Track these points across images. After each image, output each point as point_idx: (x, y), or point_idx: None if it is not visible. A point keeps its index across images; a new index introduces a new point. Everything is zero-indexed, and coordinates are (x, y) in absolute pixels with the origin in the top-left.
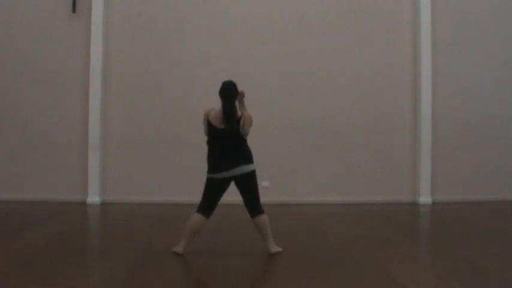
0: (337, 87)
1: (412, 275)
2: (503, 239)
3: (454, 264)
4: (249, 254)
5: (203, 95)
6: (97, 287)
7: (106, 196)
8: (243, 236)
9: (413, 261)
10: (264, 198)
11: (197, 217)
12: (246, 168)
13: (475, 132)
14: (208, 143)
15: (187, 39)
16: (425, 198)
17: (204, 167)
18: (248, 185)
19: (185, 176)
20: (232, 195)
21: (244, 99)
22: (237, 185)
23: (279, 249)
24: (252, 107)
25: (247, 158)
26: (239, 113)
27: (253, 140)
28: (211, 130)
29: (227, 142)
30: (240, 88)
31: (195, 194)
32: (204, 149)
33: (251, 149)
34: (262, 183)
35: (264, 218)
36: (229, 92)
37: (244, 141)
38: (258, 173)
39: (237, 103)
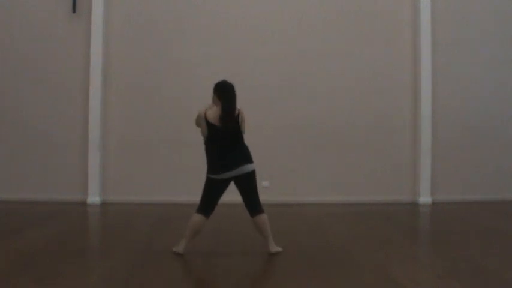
0: (337, 87)
1: (412, 275)
2: (503, 239)
3: (454, 264)
4: (249, 254)
5: (203, 95)
6: (97, 287)
7: (106, 196)
8: (243, 236)
9: (413, 261)
10: (264, 198)
11: (197, 217)
12: (247, 168)
13: (475, 132)
14: (207, 142)
15: (187, 39)
16: (425, 198)
17: (204, 167)
18: (248, 185)
19: (185, 176)
20: (232, 195)
21: (244, 99)
22: (237, 184)
23: (279, 249)
24: (252, 107)
25: (248, 158)
26: (237, 110)
27: (253, 140)
28: (211, 130)
29: (227, 141)
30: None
31: (195, 194)
32: (203, 148)
33: (251, 149)
34: (262, 183)
35: (263, 217)
36: (232, 93)
37: (243, 139)
38: (257, 173)
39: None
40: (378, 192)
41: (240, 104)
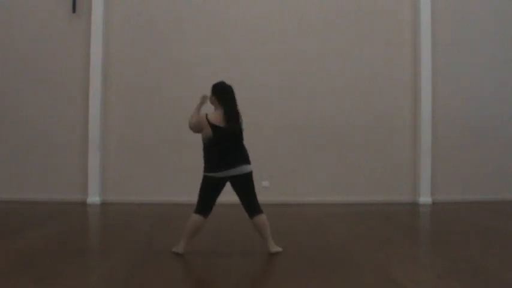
0: (337, 87)
1: (412, 275)
2: (503, 239)
3: (454, 264)
4: (249, 254)
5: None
6: (97, 287)
7: (106, 196)
8: (243, 236)
9: (413, 261)
10: (264, 198)
11: (196, 218)
12: (244, 169)
13: (475, 132)
14: (208, 144)
15: (187, 39)
16: (425, 198)
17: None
18: (246, 186)
19: (185, 176)
20: (232, 195)
21: (244, 99)
22: (234, 185)
23: (279, 249)
24: (252, 107)
25: (246, 159)
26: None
27: (253, 140)
28: (216, 132)
29: (229, 142)
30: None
31: (195, 194)
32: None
33: (251, 149)
34: (262, 183)
35: (263, 218)
36: (232, 94)
37: (242, 140)
38: (257, 173)
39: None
40: (378, 192)
41: (240, 104)
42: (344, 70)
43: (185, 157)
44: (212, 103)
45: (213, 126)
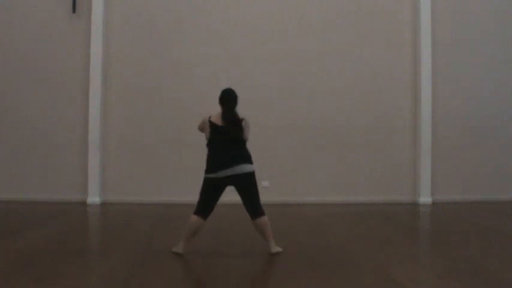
0: (337, 87)
1: (412, 275)
2: (503, 239)
3: (454, 264)
4: (249, 254)
5: (203, 95)
6: (97, 287)
7: (106, 196)
8: (243, 236)
9: (413, 261)
10: (264, 198)
11: (195, 219)
12: (246, 168)
13: (475, 132)
14: (209, 144)
15: (187, 39)
16: (425, 198)
17: (204, 167)
18: (248, 186)
19: (185, 176)
20: (232, 195)
21: (244, 99)
22: (237, 187)
23: (279, 249)
24: (252, 107)
25: (246, 158)
26: (239, 116)
27: (253, 140)
28: (213, 129)
29: (227, 142)
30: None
31: (195, 194)
32: (203, 148)
33: (251, 149)
34: (262, 183)
35: (264, 220)
36: (229, 98)
37: (244, 143)
38: (257, 173)
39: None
40: (378, 192)
41: (240, 104)
42: (344, 70)
43: (185, 157)
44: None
45: (211, 124)
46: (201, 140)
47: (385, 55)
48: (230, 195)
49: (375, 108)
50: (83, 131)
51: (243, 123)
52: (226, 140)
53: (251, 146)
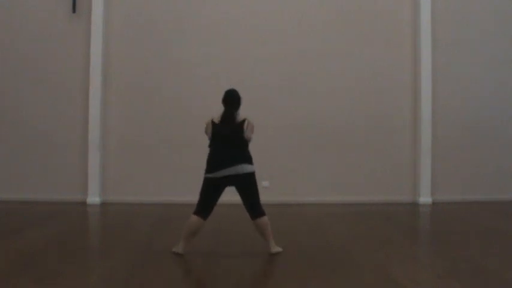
0: (337, 87)
1: (412, 275)
2: (503, 239)
3: (454, 264)
4: (249, 254)
5: (203, 95)
6: (97, 287)
7: (106, 196)
8: (243, 236)
9: (413, 261)
10: (264, 198)
11: (194, 219)
12: (246, 168)
13: (475, 132)
14: (210, 145)
15: (187, 39)
16: (425, 198)
17: (204, 166)
18: (248, 186)
19: (185, 176)
20: (232, 195)
21: (244, 99)
22: (237, 187)
23: (279, 249)
24: (252, 107)
25: (246, 159)
26: (241, 118)
27: (253, 140)
28: (214, 128)
29: (228, 142)
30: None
31: (195, 194)
32: (204, 148)
33: (251, 149)
34: (262, 183)
35: (265, 220)
36: (232, 99)
37: (246, 145)
38: (258, 173)
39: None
40: (378, 192)
41: (241, 104)
42: (344, 70)
43: (185, 157)
44: None
45: (213, 125)
46: (201, 140)
47: (385, 55)
48: (230, 195)
49: (375, 108)
50: (83, 131)
51: (245, 124)
52: (227, 140)
53: (252, 145)
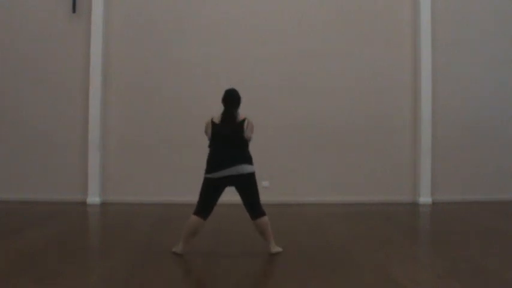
0: (337, 87)
1: (412, 275)
2: (503, 239)
3: (454, 264)
4: (249, 254)
5: (203, 95)
6: (97, 287)
7: (106, 196)
8: (243, 236)
9: (413, 261)
10: (264, 198)
11: (194, 219)
12: (246, 169)
13: (475, 132)
14: (210, 145)
15: (187, 39)
16: (425, 198)
17: (204, 166)
18: (248, 187)
19: (185, 176)
20: (232, 195)
21: (244, 99)
22: (237, 187)
23: (279, 249)
24: (252, 107)
25: (245, 159)
26: (241, 117)
27: (253, 140)
28: (213, 128)
29: (228, 142)
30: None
31: (195, 194)
32: (204, 148)
33: (251, 149)
34: (262, 183)
35: (265, 220)
36: (232, 98)
37: (246, 145)
38: (258, 173)
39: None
40: (378, 192)
41: (241, 104)
42: (344, 70)
43: (185, 157)
44: None
45: (213, 125)
46: (201, 140)
47: (385, 55)
48: (230, 195)
49: (375, 108)
50: (83, 131)
51: (245, 123)
52: (227, 140)
53: (252, 145)
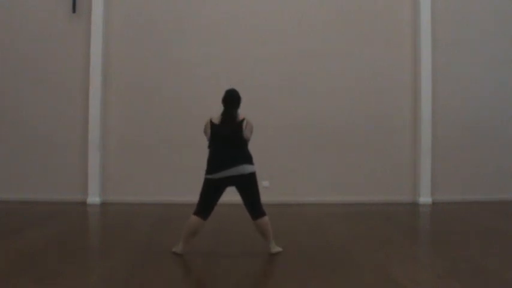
0: (337, 87)
1: (412, 275)
2: (503, 239)
3: (454, 264)
4: (249, 254)
5: (203, 95)
6: (97, 287)
7: (106, 196)
8: (243, 236)
9: (413, 261)
10: (264, 198)
11: (194, 219)
12: (246, 169)
13: (475, 132)
14: (210, 146)
15: (187, 39)
16: (425, 198)
17: (204, 166)
18: (249, 187)
19: (185, 176)
20: (232, 195)
21: (244, 99)
22: (238, 187)
23: (279, 249)
24: (252, 107)
25: (246, 159)
26: (240, 117)
27: (253, 140)
28: (212, 129)
29: (228, 142)
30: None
31: (195, 194)
32: (204, 148)
33: (251, 149)
34: (262, 183)
35: (265, 220)
36: (232, 99)
37: (245, 144)
38: (258, 173)
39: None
40: (378, 192)
41: (241, 104)
42: (344, 70)
43: (185, 157)
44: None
45: (212, 125)
46: (201, 140)
47: (385, 55)
48: (230, 195)
49: (375, 108)
50: (83, 131)
51: (244, 123)
52: (226, 140)
53: (251, 146)
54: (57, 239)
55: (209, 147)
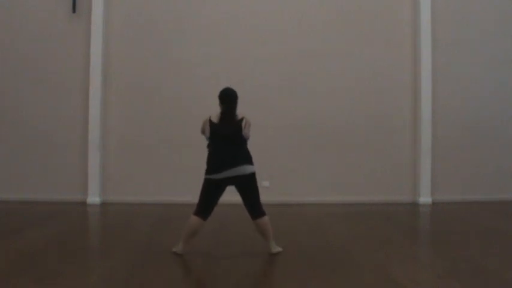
0: (337, 87)
1: (412, 275)
2: (503, 239)
3: (454, 264)
4: (249, 254)
5: (203, 95)
6: (97, 287)
7: (106, 196)
8: (243, 236)
9: (413, 261)
10: (264, 198)
11: (194, 219)
12: (247, 169)
13: (475, 132)
14: (209, 145)
15: (187, 39)
16: (425, 198)
17: (204, 166)
18: (249, 187)
19: (185, 176)
20: (232, 195)
21: (244, 99)
22: (238, 187)
23: (279, 249)
24: (252, 107)
25: (246, 159)
26: (239, 116)
27: (253, 140)
28: (212, 128)
29: (228, 141)
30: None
31: (195, 194)
32: (204, 148)
33: (251, 149)
34: (262, 183)
35: (265, 220)
36: (229, 97)
37: (245, 143)
38: (258, 173)
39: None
40: (378, 192)
41: (241, 104)
42: (344, 70)
43: (185, 157)
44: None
45: (211, 124)
46: (201, 140)
47: (385, 55)
48: (230, 195)
49: (375, 108)
50: (83, 131)
51: (243, 122)
52: (226, 139)
53: (251, 146)
54: (57, 239)
55: (208, 146)
